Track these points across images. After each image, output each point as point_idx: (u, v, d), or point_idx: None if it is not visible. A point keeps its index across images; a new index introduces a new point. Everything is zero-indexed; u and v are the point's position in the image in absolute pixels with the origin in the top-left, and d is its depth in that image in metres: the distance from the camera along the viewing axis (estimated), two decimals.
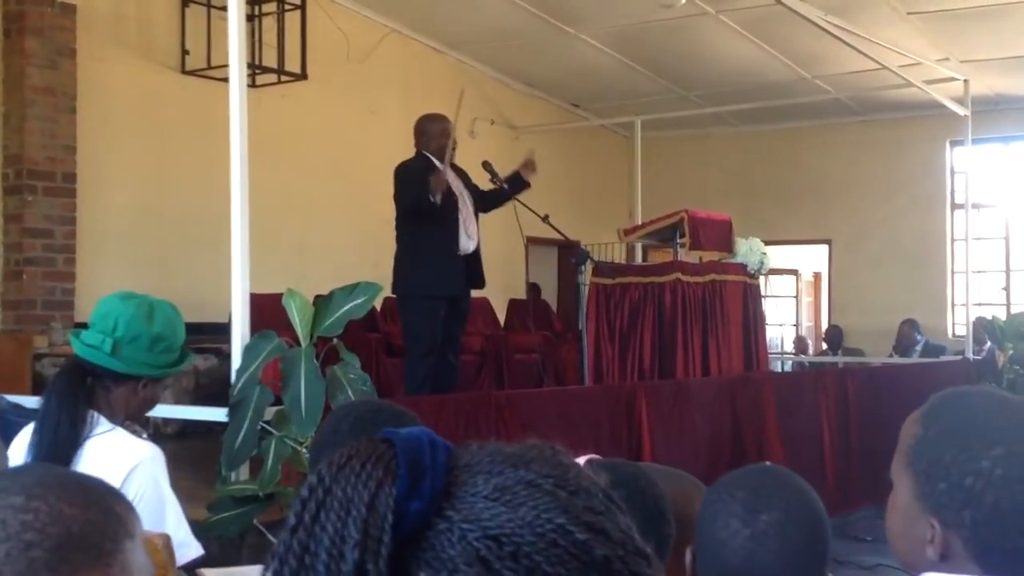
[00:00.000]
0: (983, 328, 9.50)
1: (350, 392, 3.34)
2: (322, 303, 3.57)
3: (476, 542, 0.63)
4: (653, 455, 5.01)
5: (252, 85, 7.94)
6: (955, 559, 1.30)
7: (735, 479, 1.66)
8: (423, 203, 5.69)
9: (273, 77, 8.60)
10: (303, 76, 8.72)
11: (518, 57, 10.85)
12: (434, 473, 0.66)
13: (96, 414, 2.27)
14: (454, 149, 6.03)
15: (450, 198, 5.90)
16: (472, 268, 6.04)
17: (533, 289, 11.17)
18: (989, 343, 9.31)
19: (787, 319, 15.22)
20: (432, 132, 6.02)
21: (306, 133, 9.37)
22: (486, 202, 6.25)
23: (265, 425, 3.44)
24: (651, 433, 5.17)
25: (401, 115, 9.87)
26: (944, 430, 1.32)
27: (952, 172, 11.80)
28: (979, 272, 11.32)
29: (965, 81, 9.34)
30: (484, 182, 6.32)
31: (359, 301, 3.51)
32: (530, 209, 6.23)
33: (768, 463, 1.73)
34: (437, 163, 5.94)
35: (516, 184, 6.17)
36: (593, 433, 4.97)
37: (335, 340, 3.59)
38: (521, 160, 6.24)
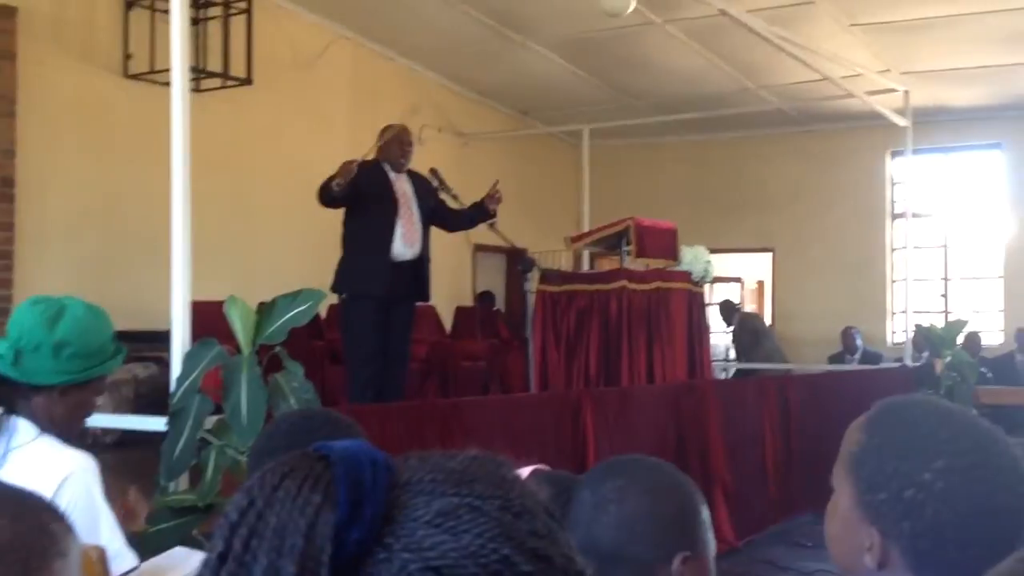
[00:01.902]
0: (921, 336, 9.67)
1: (293, 401, 3.31)
2: (265, 310, 3.54)
3: (417, 574, 0.60)
4: (597, 462, 5.02)
5: (196, 90, 7.85)
6: (892, 568, 1.30)
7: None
8: (326, 186, 5.74)
9: (218, 82, 8.51)
10: (248, 81, 8.64)
11: (467, 64, 10.85)
12: (375, 497, 0.63)
13: (21, 423, 2.22)
14: (406, 159, 6.08)
15: (388, 200, 5.93)
16: (416, 278, 6.04)
17: (486, 297, 11.17)
18: (927, 351, 9.47)
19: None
20: (390, 140, 6.08)
21: (252, 138, 9.29)
22: (449, 221, 6.28)
23: (206, 434, 3.39)
24: (596, 440, 5.19)
25: (349, 121, 9.86)
26: (887, 440, 1.32)
27: (892, 182, 12.00)
28: (918, 281, 11.52)
29: (905, 92, 9.50)
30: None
31: (302, 308, 3.48)
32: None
33: (651, 458, 1.73)
34: (388, 169, 5.99)
35: (480, 212, 6.20)
36: (538, 441, 4.97)
37: (278, 348, 3.56)
38: (487, 191, 6.22)
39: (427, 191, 6.20)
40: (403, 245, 5.97)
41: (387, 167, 6.06)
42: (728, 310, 12.18)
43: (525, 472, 1.77)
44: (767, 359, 11.11)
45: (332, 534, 0.61)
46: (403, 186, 6.08)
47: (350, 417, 2.04)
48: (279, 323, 3.47)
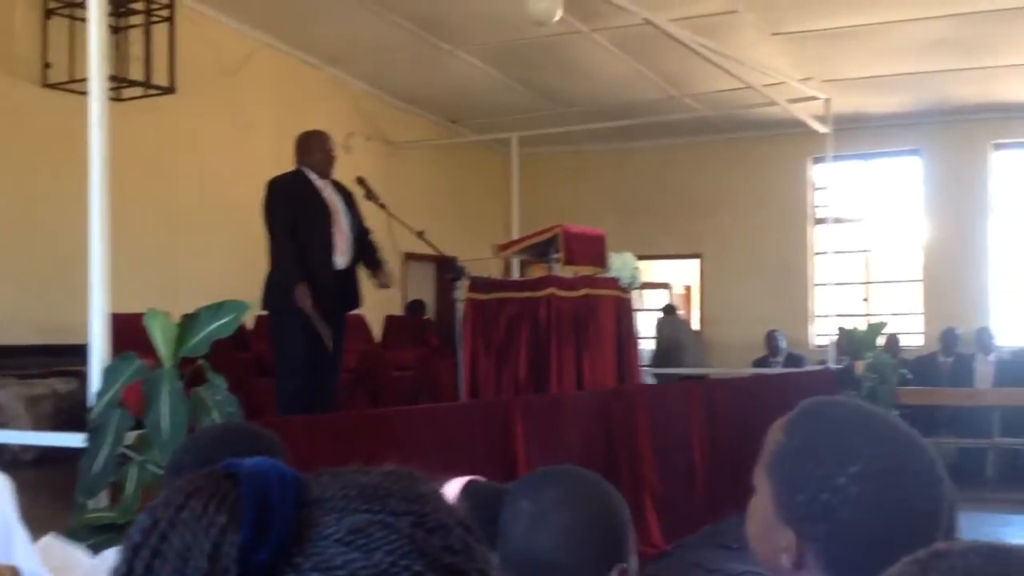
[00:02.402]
0: (842, 338, 9.86)
1: (216, 414, 3.26)
2: (187, 323, 3.48)
3: None
4: (528, 470, 5.02)
5: (117, 99, 7.71)
6: (808, 569, 1.31)
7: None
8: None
9: (140, 90, 8.37)
10: (171, 90, 8.51)
11: (395, 73, 10.82)
12: (283, 516, 0.61)
13: None
14: (332, 165, 6.06)
15: (324, 213, 5.88)
16: (347, 287, 6.00)
17: (416, 306, 11.12)
18: (848, 353, 9.66)
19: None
20: (313, 147, 6.02)
21: (174, 148, 9.15)
22: (362, 251, 6.25)
23: (126, 450, 3.32)
24: (526, 448, 5.19)
25: (274, 130, 9.76)
26: (806, 442, 1.33)
27: (814, 188, 12.22)
28: (839, 284, 11.75)
29: (826, 100, 9.68)
30: (360, 199, 6.29)
31: (225, 320, 3.42)
32: (405, 225, 6.21)
33: (578, 468, 1.74)
34: (314, 178, 5.94)
35: (375, 270, 6.16)
36: (468, 449, 4.96)
37: (201, 360, 3.49)
38: (383, 275, 6.16)
39: (353, 201, 6.17)
40: (337, 255, 5.93)
41: (312, 176, 6.00)
42: (669, 313, 12.44)
43: (458, 483, 1.76)
44: (673, 345, 11.57)
45: (238, 555, 0.59)
46: (331, 195, 6.03)
47: (274, 430, 2.01)
48: (202, 335, 3.41)
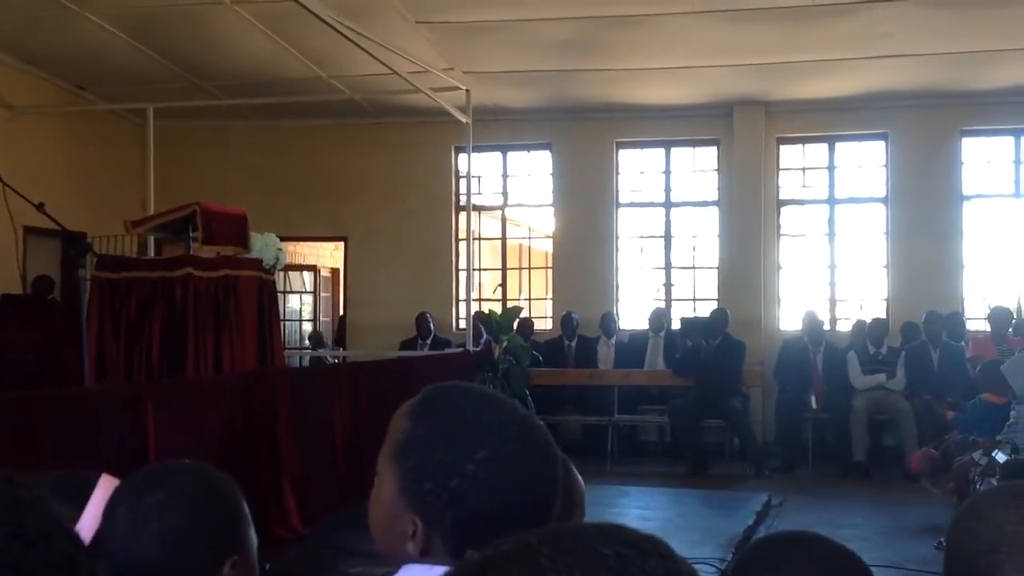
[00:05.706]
0: (481, 322, 10.27)
1: None
2: None
3: None
4: (160, 459, 4.80)
5: None
6: (435, 554, 1.33)
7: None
8: None
9: None
10: None
11: (13, 31, 9.88)
12: None
13: None
14: None
15: None
16: None
17: (40, 284, 10.26)
18: (486, 335, 10.09)
19: (306, 314, 15.47)
20: None
21: None
22: None
23: None
24: (156, 435, 4.95)
25: None
26: (433, 429, 1.34)
27: (457, 176, 12.59)
28: (480, 270, 12.19)
29: (467, 91, 9.98)
30: None
31: None
32: (22, 196, 5.70)
33: (186, 461, 1.67)
34: None
35: None
36: (92, 438, 4.65)
37: None
38: None
39: None
40: None
41: None
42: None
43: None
44: None
45: None
46: None
47: None
48: None
